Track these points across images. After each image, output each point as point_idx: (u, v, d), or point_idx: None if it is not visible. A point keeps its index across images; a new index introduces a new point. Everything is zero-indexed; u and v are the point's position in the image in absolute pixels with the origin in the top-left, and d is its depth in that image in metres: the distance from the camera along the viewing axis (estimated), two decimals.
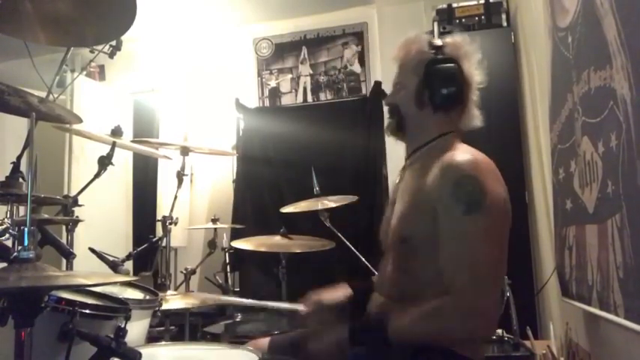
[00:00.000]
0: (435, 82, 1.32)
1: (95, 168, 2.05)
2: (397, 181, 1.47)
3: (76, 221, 2.05)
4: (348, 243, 2.42)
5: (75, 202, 2.03)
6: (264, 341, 1.51)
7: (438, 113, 1.34)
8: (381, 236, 1.46)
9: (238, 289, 3.32)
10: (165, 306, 1.83)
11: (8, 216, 1.64)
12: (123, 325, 1.14)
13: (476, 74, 1.36)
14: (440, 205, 1.20)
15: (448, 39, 1.38)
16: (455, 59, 1.34)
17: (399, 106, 1.41)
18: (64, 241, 1.85)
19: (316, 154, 3.38)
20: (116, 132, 2.10)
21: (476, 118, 1.38)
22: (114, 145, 2.07)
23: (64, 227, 2.14)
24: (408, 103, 1.38)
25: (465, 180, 1.19)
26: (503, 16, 3.01)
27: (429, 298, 1.18)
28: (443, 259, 1.18)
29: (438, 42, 1.37)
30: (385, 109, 1.51)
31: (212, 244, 2.82)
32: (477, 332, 1.17)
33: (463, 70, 1.33)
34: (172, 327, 2.40)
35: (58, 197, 2.01)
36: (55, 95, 2.12)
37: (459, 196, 1.17)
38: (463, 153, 1.27)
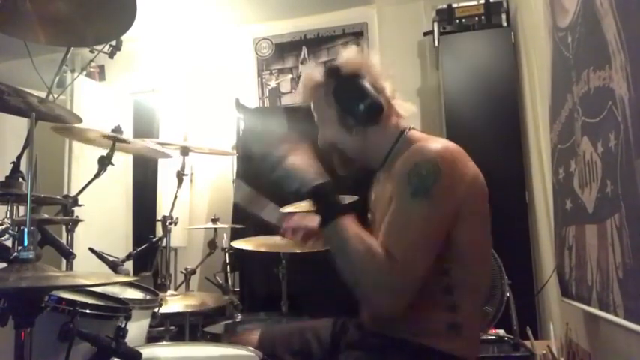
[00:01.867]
0: (350, 103, 1.31)
1: (95, 168, 2.05)
2: (372, 197, 1.46)
3: (76, 221, 2.05)
4: None
5: (75, 202, 2.03)
6: (254, 337, 1.51)
7: (370, 127, 1.33)
8: None
9: (238, 289, 3.32)
10: (164, 308, 1.83)
11: (8, 216, 1.64)
12: (123, 325, 1.14)
13: (381, 77, 1.34)
14: (395, 189, 1.21)
15: (341, 59, 1.36)
16: (354, 73, 1.32)
17: (335, 143, 1.38)
18: (64, 241, 1.85)
19: (316, 154, 3.37)
20: (116, 132, 2.10)
21: (407, 109, 1.37)
22: (114, 145, 2.07)
23: (64, 227, 2.14)
24: (339, 135, 1.36)
25: (421, 164, 1.18)
26: (503, 16, 3.01)
27: (417, 303, 1.17)
28: (383, 228, 1.18)
29: (333, 66, 1.35)
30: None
31: (212, 244, 2.82)
32: (376, 302, 1.17)
33: (369, 79, 1.32)
34: (172, 327, 2.41)
35: (58, 197, 2.01)
36: (55, 95, 2.12)
37: (412, 180, 1.17)
38: (428, 142, 1.25)
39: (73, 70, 3.77)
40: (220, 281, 2.82)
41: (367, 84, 1.31)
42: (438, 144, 1.23)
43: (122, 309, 1.27)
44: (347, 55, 1.37)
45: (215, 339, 2.16)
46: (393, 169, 1.27)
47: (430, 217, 1.16)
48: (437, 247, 1.18)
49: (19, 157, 1.68)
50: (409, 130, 1.35)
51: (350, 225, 1.19)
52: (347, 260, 1.18)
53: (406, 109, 1.37)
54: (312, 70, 1.39)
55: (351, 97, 1.31)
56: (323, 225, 1.23)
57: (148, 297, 1.71)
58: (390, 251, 1.13)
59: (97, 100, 3.94)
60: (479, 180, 1.25)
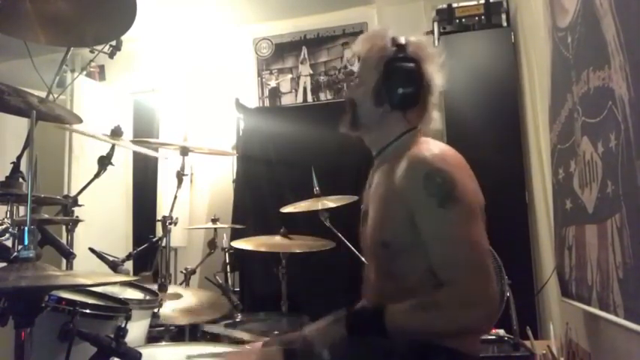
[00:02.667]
0: (393, 80, 1.31)
1: (95, 168, 2.05)
2: (367, 186, 1.45)
3: (76, 221, 2.05)
4: (348, 243, 2.42)
5: (75, 202, 2.03)
6: (257, 347, 1.50)
7: (395, 112, 1.33)
8: (361, 243, 1.46)
9: (238, 289, 3.32)
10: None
11: (8, 216, 1.64)
12: (123, 325, 1.14)
13: (436, 77, 1.35)
14: (414, 204, 1.20)
15: (412, 38, 1.36)
16: (416, 59, 1.32)
17: (356, 102, 1.39)
18: (64, 241, 1.85)
19: (316, 154, 3.37)
20: (116, 132, 2.10)
21: (434, 120, 1.38)
22: (113, 145, 2.07)
23: (64, 227, 2.14)
24: (365, 100, 1.36)
25: (433, 173, 1.18)
26: (503, 16, 3.01)
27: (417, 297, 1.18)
28: (433, 259, 1.18)
29: (401, 40, 1.34)
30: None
31: (212, 244, 2.82)
32: (477, 322, 1.15)
33: (423, 71, 1.32)
34: (172, 327, 2.41)
35: (58, 197, 2.01)
36: (55, 95, 2.12)
37: (430, 190, 1.17)
38: (429, 147, 1.26)
39: (73, 70, 3.77)
40: (220, 281, 2.82)
41: (418, 75, 1.31)
42: (437, 149, 1.25)
43: (122, 309, 1.27)
44: (419, 38, 1.37)
45: (215, 339, 2.16)
46: (393, 165, 1.28)
47: (467, 218, 1.17)
48: (484, 239, 1.18)
49: (19, 157, 1.68)
50: (416, 131, 1.36)
51: (394, 316, 1.16)
52: (428, 330, 1.17)
53: (432, 119, 1.38)
54: (384, 31, 1.38)
55: (398, 77, 1.31)
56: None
57: (148, 297, 1.71)
58: (451, 278, 1.13)
59: (97, 100, 3.94)
60: (476, 188, 1.26)
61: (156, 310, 1.71)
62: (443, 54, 1.37)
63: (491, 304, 1.14)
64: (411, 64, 1.31)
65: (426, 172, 1.19)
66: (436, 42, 3.13)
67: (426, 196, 1.17)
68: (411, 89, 1.31)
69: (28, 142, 1.74)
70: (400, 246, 1.24)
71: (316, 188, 2.50)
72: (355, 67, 3.95)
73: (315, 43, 4.04)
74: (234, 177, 3.79)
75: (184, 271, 2.63)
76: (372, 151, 1.44)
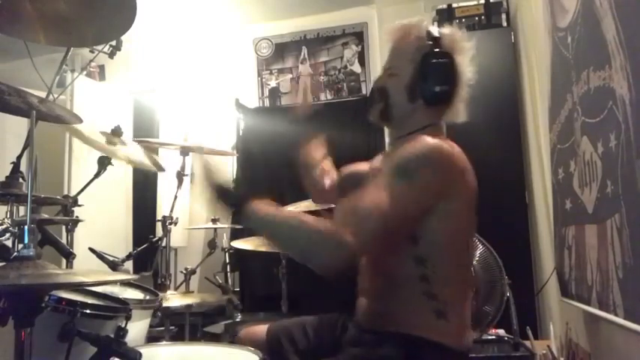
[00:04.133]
0: (430, 76, 1.29)
1: (95, 168, 2.05)
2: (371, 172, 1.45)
3: (76, 221, 2.05)
4: None
5: (75, 202, 2.03)
6: (262, 328, 1.51)
7: (427, 106, 1.32)
8: None
9: (238, 289, 3.32)
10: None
11: (8, 216, 1.64)
12: (123, 325, 1.14)
13: (468, 71, 1.33)
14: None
15: (446, 30, 1.34)
16: (451, 53, 1.31)
17: (389, 92, 1.36)
18: (64, 241, 1.86)
19: None
20: (116, 132, 2.11)
21: (460, 113, 1.36)
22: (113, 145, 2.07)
23: (64, 227, 2.14)
24: (399, 91, 1.34)
25: (409, 157, 1.18)
26: (503, 16, 3.01)
27: (405, 299, 1.19)
28: (357, 200, 1.16)
29: (436, 33, 1.32)
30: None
31: (212, 244, 2.82)
32: (327, 262, 1.12)
33: (457, 67, 1.31)
34: (172, 327, 2.41)
35: (58, 197, 2.02)
36: (55, 95, 2.12)
37: (398, 169, 1.17)
38: (428, 140, 1.23)
39: (73, 70, 3.76)
40: (220, 281, 2.82)
41: (454, 70, 1.30)
42: (434, 140, 1.23)
43: (122, 309, 1.27)
44: (455, 31, 1.35)
45: (215, 339, 2.16)
46: (391, 157, 1.28)
47: (405, 194, 1.14)
48: (404, 220, 1.16)
49: (19, 157, 1.68)
50: (433, 127, 1.34)
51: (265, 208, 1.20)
52: (287, 236, 1.19)
53: (458, 114, 1.36)
54: (420, 22, 1.37)
55: (436, 73, 1.29)
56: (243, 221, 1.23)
57: (148, 297, 1.71)
58: (350, 221, 1.11)
59: (97, 100, 3.94)
60: (466, 177, 1.24)
61: (155, 311, 1.71)
62: (474, 46, 1.35)
63: (350, 255, 1.11)
64: (447, 60, 1.30)
65: (409, 152, 1.19)
66: None
67: (394, 168, 1.18)
68: (447, 87, 1.29)
69: (28, 142, 1.74)
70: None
71: None
72: (356, 68, 3.95)
73: (315, 43, 4.04)
74: (234, 177, 3.79)
75: (184, 271, 2.63)
76: (390, 137, 1.43)
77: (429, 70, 1.30)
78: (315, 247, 1.13)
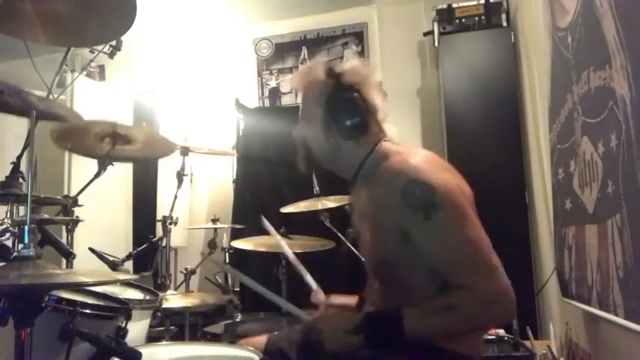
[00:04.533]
0: (338, 113, 1.31)
1: (95, 168, 2.05)
2: (352, 211, 1.45)
3: (76, 221, 2.05)
4: (348, 243, 2.42)
5: (75, 202, 2.03)
6: (261, 340, 1.51)
7: (350, 142, 1.33)
8: (361, 254, 1.46)
9: (238, 289, 3.32)
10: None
11: (8, 216, 1.64)
12: (123, 325, 1.14)
13: (377, 97, 1.34)
14: (402, 222, 1.19)
15: (346, 65, 1.35)
16: (355, 86, 1.31)
17: (307, 139, 1.39)
18: (64, 241, 1.85)
19: None
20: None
21: (393, 133, 1.36)
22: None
23: (64, 227, 2.14)
24: (316, 137, 1.36)
25: (409, 186, 1.17)
26: (503, 16, 3.01)
27: (418, 300, 1.18)
28: (440, 268, 1.17)
29: (337, 70, 1.34)
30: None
31: (212, 244, 2.82)
32: (499, 316, 1.17)
33: (365, 97, 1.31)
34: (172, 327, 2.41)
35: (58, 197, 2.01)
36: (55, 95, 2.13)
37: (413, 205, 1.16)
38: (402, 158, 1.25)
39: (73, 70, 3.76)
40: (220, 281, 2.82)
41: (362, 101, 1.30)
42: (408, 157, 1.24)
43: (122, 309, 1.27)
44: (352, 64, 1.36)
45: (215, 339, 2.16)
46: (371, 184, 1.27)
47: (456, 219, 1.16)
48: (480, 229, 1.18)
49: (19, 157, 1.68)
50: (382, 143, 1.34)
51: (413, 321, 1.16)
52: (449, 332, 1.18)
53: (391, 135, 1.36)
54: (316, 64, 1.38)
55: (342, 109, 1.31)
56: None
57: (148, 297, 1.71)
58: (464, 282, 1.13)
59: (97, 100, 3.94)
60: (458, 183, 1.25)
61: (155, 311, 1.71)
62: (377, 71, 1.36)
63: (508, 296, 1.13)
64: (352, 94, 1.31)
65: (403, 187, 1.17)
66: (436, 42, 3.13)
67: (410, 212, 1.16)
68: (358, 118, 1.30)
69: (28, 142, 1.74)
70: (399, 260, 1.23)
71: (316, 188, 2.50)
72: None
73: (315, 43, 4.04)
74: (234, 177, 3.79)
75: (184, 271, 2.63)
76: (345, 177, 1.42)
77: (335, 108, 1.31)
78: (471, 322, 1.15)
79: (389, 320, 1.19)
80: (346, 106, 1.31)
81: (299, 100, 1.44)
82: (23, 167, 1.64)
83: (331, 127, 1.32)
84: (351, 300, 1.55)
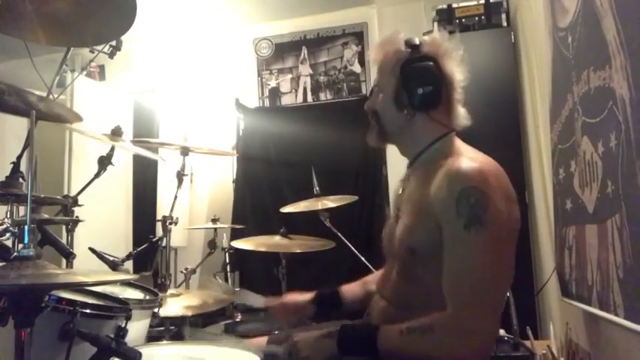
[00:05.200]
0: (411, 81, 1.28)
1: (95, 168, 2.05)
2: (400, 191, 1.42)
3: (76, 221, 2.05)
4: (348, 243, 2.42)
5: (75, 202, 2.03)
6: (262, 341, 1.51)
7: (420, 114, 1.30)
8: (383, 243, 1.43)
9: (238, 289, 3.32)
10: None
11: (8, 216, 1.64)
12: (123, 325, 1.14)
13: (457, 72, 1.32)
14: (443, 219, 1.17)
15: (426, 37, 1.34)
16: (433, 57, 1.29)
17: (379, 111, 1.36)
18: (64, 241, 1.85)
19: (316, 154, 3.38)
20: (116, 132, 2.10)
21: (462, 117, 1.35)
22: (113, 145, 2.07)
23: (64, 227, 2.14)
24: (387, 107, 1.33)
25: (468, 191, 1.14)
26: (503, 16, 3.01)
27: (433, 308, 1.16)
28: (444, 276, 1.15)
29: (415, 41, 1.32)
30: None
31: (212, 244, 2.82)
32: (472, 353, 1.12)
33: (442, 68, 1.29)
34: (172, 327, 2.40)
35: (58, 197, 2.02)
36: (55, 95, 2.13)
37: (461, 209, 1.13)
38: (469, 160, 1.22)
39: (73, 70, 3.77)
40: (220, 281, 2.82)
41: (437, 72, 1.28)
42: (477, 164, 1.21)
43: (122, 309, 1.27)
44: (434, 35, 1.34)
45: (215, 339, 2.15)
46: (430, 173, 1.24)
47: (491, 245, 1.13)
48: (507, 269, 1.16)
49: (19, 157, 1.68)
50: (453, 135, 1.33)
51: (387, 339, 1.15)
52: (419, 355, 1.14)
53: (462, 117, 1.35)
54: (396, 35, 1.35)
55: (416, 77, 1.28)
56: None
57: (148, 297, 1.70)
58: (454, 302, 1.12)
59: (97, 100, 3.94)
60: (516, 216, 1.23)
61: (155, 311, 1.70)
62: (461, 47, 1.33)
63: (488, 337, 1.13)
64: (428, 63, 1.28)
65: (462, 189, 1.14)
66: None
67: (455, 214, 1.14)
68: (431, 87, 1.27)
69: (28, 142, 1.74)
70: (426, 254, 1.21)
71: (316, 188, 2.50)
72: (356, 68, 3.95)
73: (315, 43, 4.04)
74: (234, 177, 3.79)
75: (184, 271, 2.63)
76: (407, 158, 1.39)
77: (409, 76, 1.29)
78: (445, 349, 1.12)
79: (364, 332, 1.19)
80: (420, 74, 1.28)
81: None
82: (23, 167, 1.64)
83: (403, 96, 1.29)
84: (305, 296, 1.56)
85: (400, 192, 1.42)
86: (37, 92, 1.74)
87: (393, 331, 1.15)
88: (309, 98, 4.00)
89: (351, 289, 1.58)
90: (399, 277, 1.32)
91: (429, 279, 1.22)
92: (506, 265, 1.16)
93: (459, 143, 1.33)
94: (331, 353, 1.17)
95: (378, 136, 1.39)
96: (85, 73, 3.35)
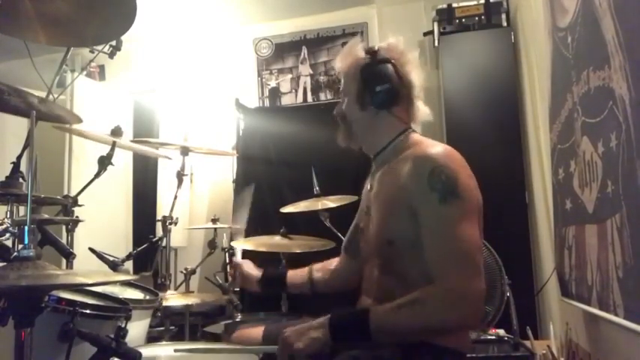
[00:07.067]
0: (371, 82, 1.38)
1: (95, 168, 2.05)
2: (368, 188, 1.48)
3: (76, 221, 2.05)
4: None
5: (75, 202, 2.03)
6: (258, 331, 1.52)
7: (382, 112, 1.39)
8: (361, 245, 1.48)
9: (238, 289, 3.32)
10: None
11: (8, 216, 1.64)
12: (123, 325, 1.14)
13: (414, 72, 1.41)
14: (417, 200, 1.23)
15: (383, 43, 1.44)
16: (390, 60, 1.39)
17: (345, 113, 1.45)
18: (64, 241, 1.86)
19: (316, 154, 3.37)
20: (116, 132, 2.10)
21: (423, 113, 1.44)
22: (114, 145, 2.07)
23: (64, 227, 2.14)
24: (352, 108, 1.43)
25: (438, 170, 1.22)
26: (503, 16, 3.02)
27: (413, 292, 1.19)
28: (427, 252, 1.19)
29: (374, 47, 1.43)
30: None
31: (212, 244, 2.82)
32: (464, 321, 1.17)
33: (399, 70, 1.38)
34: (172, 327, 2.41)
35: (58, 197, 2.02)
36: (55, 95, 2.13)
37: (434, 186, 1.20)
38: (432, 147, 1.31)
39: (73, 70, 3.77)
40: (220, 281, 2.82)
41: (394, 72, 1.38)
42: (441, 148, 1.30)
43: (122, 309, 1.27)
44: (392, 42, 1.44)
45: (215, 339, 2.16)
46: (394, 166, 1.32)
47: (465, 215, 1.20)
48: (479, 239, 1.23)
49: (19, 157, 1.68)
50: (412, 131, 1.42)
51: (379, 320, 1.17)
52: (414, 331, 1.18)
53: (422, 114, 1.44)
54: (357, 44, 1.46)
55: (375, 78, 1.38)
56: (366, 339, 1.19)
57: (147, 297, 1.71)
58: (441, 274, 1.15)
59: (97, 100, 3.94)
60: (478, 189, 1.29)
61: (155, 311, 1.71)
62: (415, 51, 1.44)
63: (477, 302, 1.15)
64: (386, 65, 1.38)
65: (432, 169, 1.22)
66: (436, 42, 3.13)
67: (429, 191, 1.21)
68: (388, 86, 1.37)
69: (28, 142, 1.74)
70: (405, 243, 1.25)
71: (316, 188, 2.50)
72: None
73: (315, 43, 4.04)
74: (234, 177, 3.79)
75: (184, 271, 2.63)
76: (370, 154, 1.47)
77: (368, 78, 1.39)
78: (437, 318, 1.15)
79: (355, 316, 1.21)
80: (378, 75, 1.38)
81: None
82: (23, 167, 1.64)
83: (365, 96, 1.39)
84: (255, 272, 1.67)
85: (369, 188, 1.47)
86: (37, 92, 1.75)
87: (384, 310, 1.18)
88: (309, 98, 3.99)
89: (297, 274, 1.68)
90: (380, 272, 1.34)
91: (409, 268, 1.25)
92: (478, 234, 1.23)
93: (418, 136, 1.41)
94: (324, 343, 1.18)
95: (346, 137, 1.48)
96: (85, 73, 3.35)
